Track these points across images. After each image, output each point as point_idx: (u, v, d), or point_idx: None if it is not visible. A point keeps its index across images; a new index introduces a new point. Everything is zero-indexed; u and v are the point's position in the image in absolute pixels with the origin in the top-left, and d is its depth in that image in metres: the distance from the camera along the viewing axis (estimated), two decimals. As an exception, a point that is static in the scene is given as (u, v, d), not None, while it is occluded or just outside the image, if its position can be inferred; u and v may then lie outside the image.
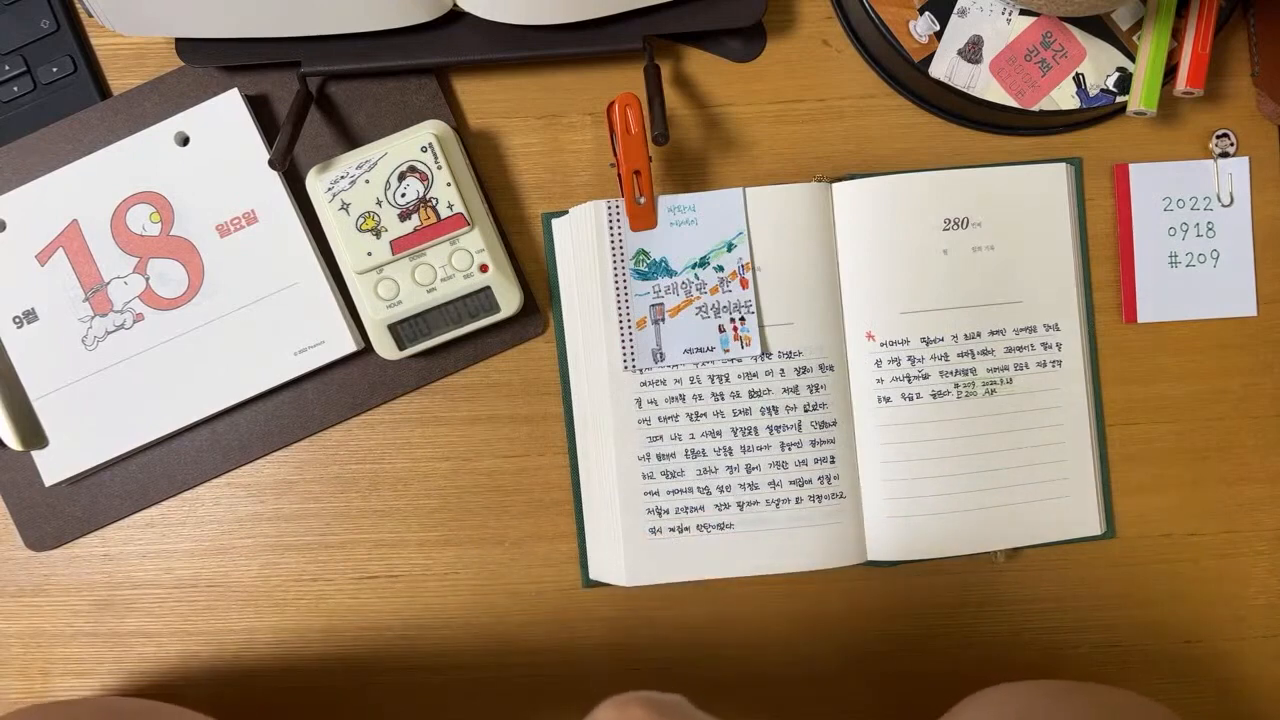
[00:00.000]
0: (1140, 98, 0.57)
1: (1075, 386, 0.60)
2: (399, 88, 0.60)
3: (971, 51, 0.57)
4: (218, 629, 0.61)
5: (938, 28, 0.57)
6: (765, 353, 0.58)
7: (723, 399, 0.58)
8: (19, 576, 0.61)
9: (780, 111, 0.61)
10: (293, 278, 0.59)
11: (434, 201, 0.56)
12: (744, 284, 0.57)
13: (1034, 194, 0.59)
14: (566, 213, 0.60)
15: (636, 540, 0.58)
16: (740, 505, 0.58)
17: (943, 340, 0.59)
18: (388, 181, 0.56)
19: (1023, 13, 0.58)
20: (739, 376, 0.58)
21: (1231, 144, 0.61)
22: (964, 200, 0.59)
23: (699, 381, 0.58)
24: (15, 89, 0.60)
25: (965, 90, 0.57)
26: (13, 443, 0.55)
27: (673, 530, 0.58)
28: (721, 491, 0.58)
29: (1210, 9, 0.57)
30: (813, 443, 0.58)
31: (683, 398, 0.58)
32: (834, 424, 0.58)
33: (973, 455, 0.59)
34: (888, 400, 0.58)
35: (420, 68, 0.59)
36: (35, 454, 0.59)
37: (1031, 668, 0.61)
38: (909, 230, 0.58)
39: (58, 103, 0.60)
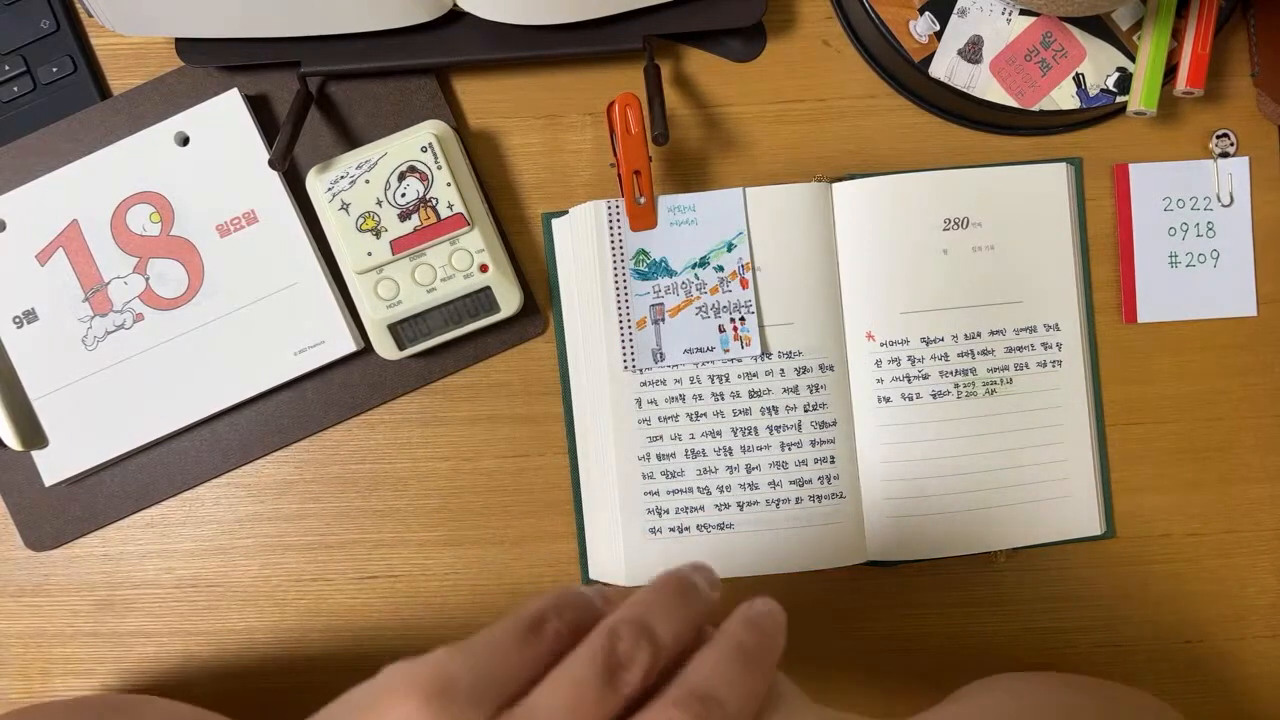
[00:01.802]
0: (1140, 98, 0.57)
1: (1075, 386, 0.60)
2: (399, 88, 0.60)
3: (971, 51, 0.57)
4: (218, 629, 0.61)
5: (938, 28, 0.57)
6: (765, 353, 0.58)
7: (723, 399, 0.58)
8: (19, 576, 0.61)
9: (780, 111, 0.61)
10: (293, 278, 0.59)
11: (434, 201, 0.56)
12: (744, 284, 0.57)
13: (1034, 194, 0.59)
14: (566, 213, 0.60)
15: (636, 540, 0.58)
16: (740, 505, 0.58)
17: (943, 340, 0.59)
18: (388, 181, 0.56)
19: (1023, 13, 0.58)
20: (739, 376, 0.58)
21: (1231, 144, 0.61)
22: (964, 200, 0.59)
23: (699, 381, 0.58)
24: (15, 89, 0.60)
25: (965, 90, 0.57)
26: (13, 443, 0.55)
27: (672, 530, 0.58)
28: (721, 491, 0.58)
29: (1210, 9, 0.57)
30: (813, 443, 0.58)
31: (683, 398, 0.58)
32: (834, 424, 0.58)
33: (973, 455, 0.59)
34: (888, 400, 0.58)
35: (420, 68, 0.59)
36: (35, 454, 0.59)
37: (1031, 668, 0.61)
38: (909, 230, 0.58)
39: (58, 103, 0.60)
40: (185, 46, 0.58)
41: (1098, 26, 0.58)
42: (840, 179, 0.59)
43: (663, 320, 0.58)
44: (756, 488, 0.58)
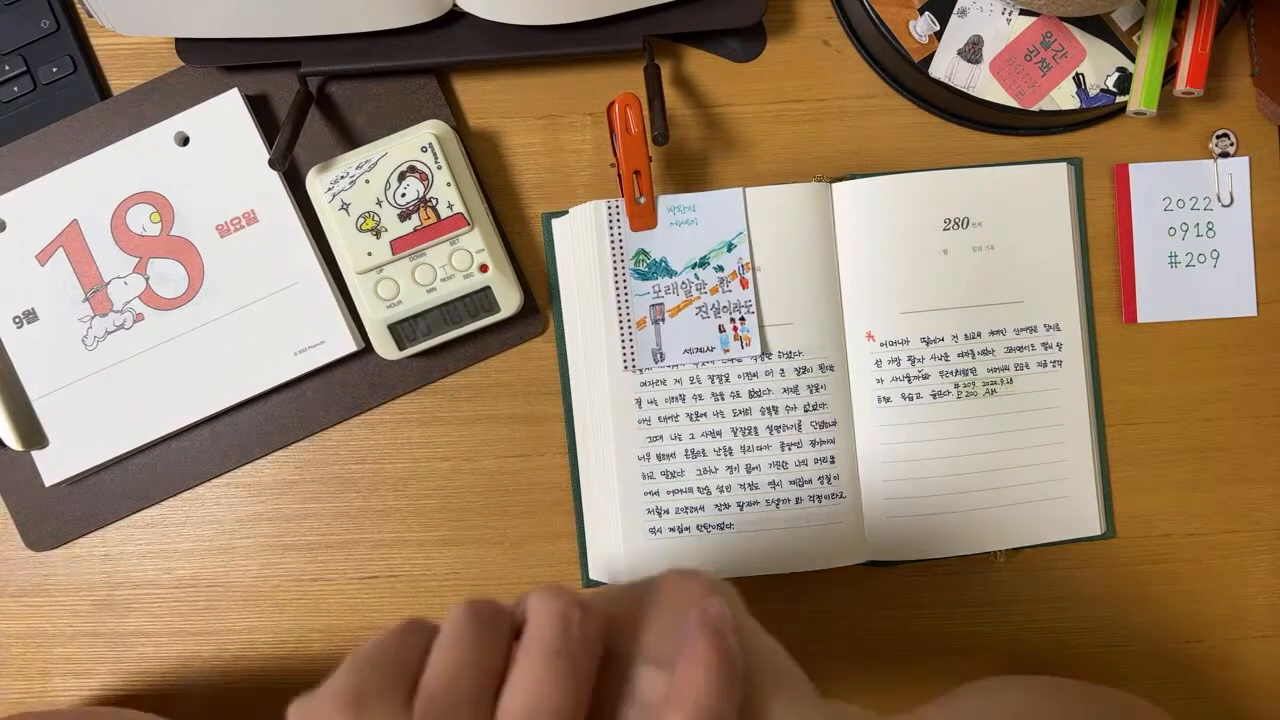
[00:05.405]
0: (1140, 98, 0.57)
1: (1075, 386, 0.60)
2: (399, 88, 0.60)
3: (971, 51, 0.57)
4: (218, 629, 0.61)
5: (938, 28, 0.57)
6: (765, 353, 0.58)
7: (723, 399, 0.58)
8: (19, 576, 0.61)
9: (780, 111, 0.61)
10: (293, 278, 0.59)
11: (434, 201, 0.56)
12: (744, 284, 0.57)
13: (1034, 194, 0.59)
14: (566, 213, 0.60)
15: (636, 540, 0.58)
16: (740, 505, 0.58)
17: (943, 340, 0.59)
18: (388, 181, 0.56)
19: (1023, 13, 0.58)
20: (739, 376, 0.58)
21: (1231, 144, 0.61)
22: (964, 200, 0.59)
23: (699, 381, 0.58)
24: (15, 89, 0.60)
25: (965, 90, 0.57)
26: (13, 443, 0.55)
27: (672, 530, 0.58)
28: (721, 491, 0.58)
29: (1210, 9, 0.57)
30: (813, 443, 0.58)
31: (683, 398, 0.58)
32: (834, 424, 0.58)
33: (973, 455, 0.59)
34: (888, 400, 0.58)
35: (420, 68, 0.59)
36: (35, 454, 0.59)
37: (1031, 668, 0.61)
38: (909, 230, 0.59)
39: (58, 103, 0.60)
40: (185, 46, 0.58)
41: (1098, 26, 0.58)
42: (840, 179, 0.59)
43: (663, 320, 0.58)
44: (756, 488, 0.58)
